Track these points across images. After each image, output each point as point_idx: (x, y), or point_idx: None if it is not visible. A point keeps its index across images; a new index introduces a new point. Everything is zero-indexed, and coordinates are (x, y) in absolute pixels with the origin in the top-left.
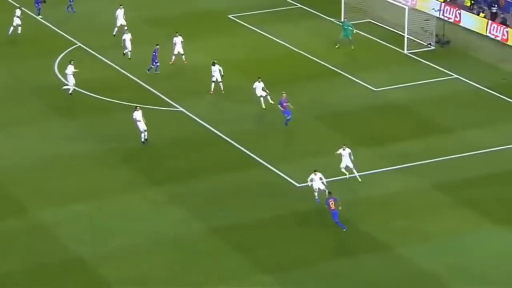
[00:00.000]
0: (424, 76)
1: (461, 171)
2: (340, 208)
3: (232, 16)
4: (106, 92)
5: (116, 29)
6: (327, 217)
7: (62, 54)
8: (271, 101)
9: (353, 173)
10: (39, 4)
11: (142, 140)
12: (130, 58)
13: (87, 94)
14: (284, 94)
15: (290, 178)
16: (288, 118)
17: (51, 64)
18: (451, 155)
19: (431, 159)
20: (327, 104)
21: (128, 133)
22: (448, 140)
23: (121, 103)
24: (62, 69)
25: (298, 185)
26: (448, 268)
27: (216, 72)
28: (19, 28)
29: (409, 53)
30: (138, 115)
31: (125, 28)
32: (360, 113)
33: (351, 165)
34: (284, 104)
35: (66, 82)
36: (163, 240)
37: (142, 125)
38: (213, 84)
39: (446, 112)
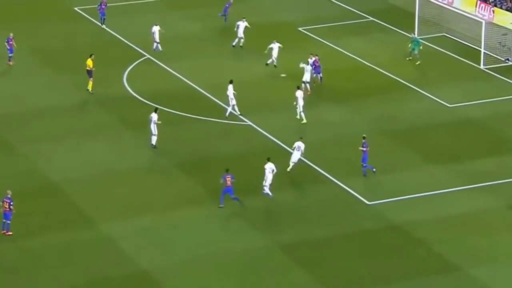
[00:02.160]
0: (501, 93)
1: None
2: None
3: (302, 29)
4: (174, 104)
5: (154, 44)
6: (398, 236)
7: (132, 66)
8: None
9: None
10: (104, 13)
11: (153, 143)
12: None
13: (155, 106)
14: (313, 56)
15: (359, 194)
16: (320, 76)
17: (120, 75)
18: None
19: (508, 178)
20: (399, 119)
21: (195, 146)
22: None
23: (189, 116)
24: (131, 80)
25: (368, 202)
26: None
27: (308, 72)
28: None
29: (486, 68)
30: (155, 117)
31: (157, 41)
32: (434, 129)
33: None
34: (316, 64)
35: (134, 95)
36: (228, 255)
37: (155, 129)
38: (307, 85)
39: None
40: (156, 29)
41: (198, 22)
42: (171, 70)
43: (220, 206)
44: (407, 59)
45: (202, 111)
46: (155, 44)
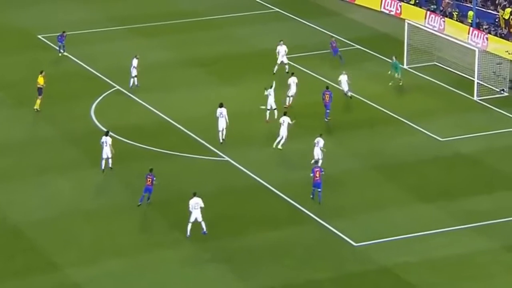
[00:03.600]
0: (496, 126)
1: None
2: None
3: None
4: (146, 139)
5: (132, 80)
6: (388, 280)
7: (100, 98)
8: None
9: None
10: (62, 40)
11: (103, 168)
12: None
13: (126, 142)
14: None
15: (345, 235)
16: (340, 54)
17: (87, 107)
18: None
19: (503, 217)
20: (387, 154)
21: (169, 184)
22: None
23: (162, 151)
24: (99, 113)
25: (354, 244)
26: None
27: (272, 96)
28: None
29: (479, 100)
30: (107, 140)
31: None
32: (424, 165)
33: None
34: (334, 44)
35: (103, 129)
36: None
37: (108, 151)
38: (274, 111)
39: None
40: (135, 62)
41: (169, 51)
42: (142, 102)
43: (139, 204)
44: (390, 84)
45: (176, 146)
46: (131, 79)
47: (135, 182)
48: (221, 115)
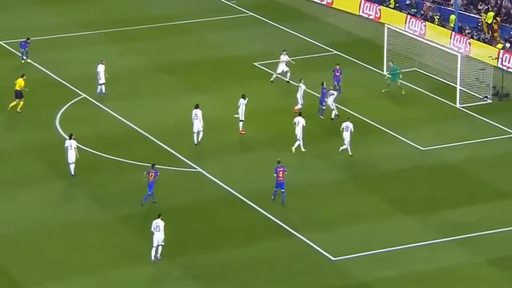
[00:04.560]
0: (479, 134)
1: None
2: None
3: (259, 64)
4: (114, 149)
5: (99, 87)
6: None
7: (65, 107)
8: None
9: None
10: (25, 47)
11: (72, 173)
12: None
13: (93, 152)
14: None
15: (323, 249)
16: (340, 85)
17: (52, 117)
18: (511, 226)
19: (487, 230)
20: (366, 164)
21: (139, 197)
22: (508, 208)
23: (132, 163)
24: (65, 123)
25: (332, 258)
26: None
27: (243, 106)
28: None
29: (462, 107)
30: (72, 144)
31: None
32: (405, 175)
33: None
34: (337, 74)
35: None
36: None
37: (72, 156)
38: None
39: (506, 175)
40: (101, 68)
41: (139, 57)
42: (110, 111)
43: (142, 203)
44: (383, 91)
45: (145, 157)
46: (98, 87)
47: (103, 195)
48: (196, 117)
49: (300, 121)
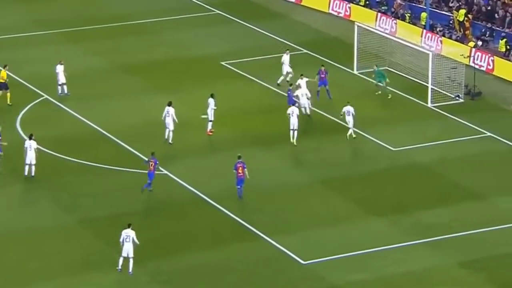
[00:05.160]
0: (451, 134)
1: (494, 246)
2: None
3: (226, 63)
4: (78, 152)
5: (60, 87)
6: None
7: (26, 108)
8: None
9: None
10: None
11: (26, 174)
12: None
13: (55, 155)
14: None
15: (293, 253)
16: (328, 88)
17: (12, 119)
18: (484, 227)
19: (459, 231)
20: (336, 166)
21: (103, 200)
22: (480, 209)
23: (96, 165)
24: (26, 125)
25: (303, 262)
26: None
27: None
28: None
29: (434, 106)
30: (31, 144)
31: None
32: (376, 176)
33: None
34: (322, 75)
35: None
36: None
37: (32, 157)
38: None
39: (478, 175)
40: (60, 68)
41: (102, 57)
42: (73, 112)
43: (142, 190)
44: (376, 93)
45: (109, 159)
46: (59, 87)
47: (65, 198)
48: (168, 114)
49: (294, 111)
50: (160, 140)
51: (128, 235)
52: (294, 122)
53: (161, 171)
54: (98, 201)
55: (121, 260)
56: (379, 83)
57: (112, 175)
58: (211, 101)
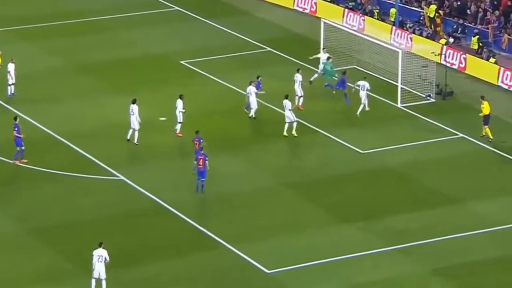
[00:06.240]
0: (422, 135)
1: (467, 253)
2: None
3: (185, 62)
4: (28, 157)
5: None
6: None
7: None
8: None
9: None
10: None
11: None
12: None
13: (3, 160)
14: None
15: (257, 261)
16: (346, 92)
17: None
18: (456, 233)
19: (431, 237)
20: (302, 170)
21: (56, 208)
22: (452, 214)
23: (48, 171)
24: None
25: (267, 271)
26: None
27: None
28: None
29: (404, 106)
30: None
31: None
32: (344, 181)
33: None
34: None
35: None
36: None
37: None
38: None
39: (450, 178)
40: (12, 67)
41: (54, 56)
42: (22, 115)
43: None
44: (333, 92)
45: (62, 165)
46: (8, 88)
47: (14, 207)
48: (132, 113)
49: (287, 104)
50: (116, 143)
51: (101, 255)
52: (288, 115)
53: (117, 176)
54: (49, 209)
55: (93, 282)
56: (328, 78)
57: (65, 181)
58: (179, 102)
